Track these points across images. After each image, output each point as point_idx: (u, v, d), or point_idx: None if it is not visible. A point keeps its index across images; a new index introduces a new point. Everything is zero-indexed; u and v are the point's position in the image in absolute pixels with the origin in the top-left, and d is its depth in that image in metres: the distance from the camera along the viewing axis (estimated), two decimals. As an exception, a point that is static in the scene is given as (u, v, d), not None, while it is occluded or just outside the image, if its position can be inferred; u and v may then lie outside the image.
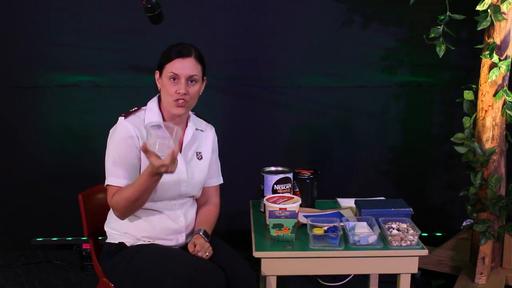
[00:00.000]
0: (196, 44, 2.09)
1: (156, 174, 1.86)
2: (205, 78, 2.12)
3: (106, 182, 2.01)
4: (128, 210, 1.99)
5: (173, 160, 1.81)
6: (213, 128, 2.27)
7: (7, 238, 3.34)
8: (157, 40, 2.96)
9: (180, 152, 2.09)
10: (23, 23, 3.06)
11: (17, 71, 3.14)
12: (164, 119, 2.07)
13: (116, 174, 1.99)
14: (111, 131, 2.05)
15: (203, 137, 2.21)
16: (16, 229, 3.32)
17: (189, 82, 2.02)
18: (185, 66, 2.00)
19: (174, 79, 2.00)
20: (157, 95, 2.13)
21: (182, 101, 2.01)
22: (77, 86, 3.15)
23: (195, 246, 2.01)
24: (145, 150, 1.80)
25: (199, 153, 2.17)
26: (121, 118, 2.03)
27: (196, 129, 2.17)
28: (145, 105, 2.11)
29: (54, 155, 3.24)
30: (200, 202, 2.24)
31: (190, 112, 2.18)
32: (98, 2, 3.05)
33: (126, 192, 1.94)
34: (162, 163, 1.80)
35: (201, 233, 2.08)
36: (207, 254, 2.00)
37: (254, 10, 3.12)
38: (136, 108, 2.09)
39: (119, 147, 2.00)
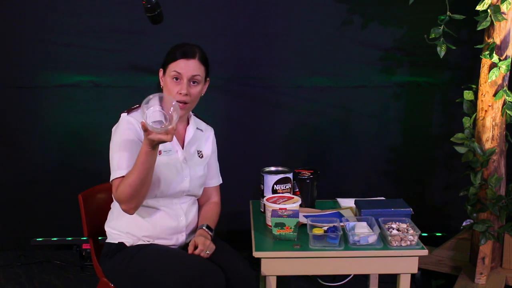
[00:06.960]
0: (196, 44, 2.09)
1: (155, 144, 1.83)
2: (208, 79, 2.14)
3: (112, 177, 1.98)
4: (135, 198, 1.93)
5: (171, 121, 1.80)
6: (213, 130, 2.30)
7: (7, 238, 3.34)
8: (157, 40, 2.98)
9: (183, 148, 2.12)
10: (23, 23, 3.06)
11: (17, 71, 3.15)
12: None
13: (122, 166, 1.96)
14: (113, 128, 2.04)
15: (203, 137, 2.24)
16: (16, 229, 3.33)
17: (191, 83, 2.04)
18: (188, 67, 2.03)
19: (176, 78, 2.03)
20: None
21: (183, 103, 2.03)
22: (77, 86, 3.15)
23: (195, 247, 2.00)
24: (145, 128, 1.78)
25: (200, 151, 2.20)
26: (123, 114, 2.04)
27: (197, 128, 2.21)
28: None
29: (54, 155, 3.24)
30: (201, 202, 2.27)
31: (190, 113, 2.20)
32: (98, 2, 3.05)
33: (130, 177, 1.90)
34: (164, 128, 1.78)
35: (204, 228, 2.11)
36: (207, 252, 2.00)
37: (254, 10, 3.12)
38: (137, 105, 2.07)
39: (124, 136, 1.99)
